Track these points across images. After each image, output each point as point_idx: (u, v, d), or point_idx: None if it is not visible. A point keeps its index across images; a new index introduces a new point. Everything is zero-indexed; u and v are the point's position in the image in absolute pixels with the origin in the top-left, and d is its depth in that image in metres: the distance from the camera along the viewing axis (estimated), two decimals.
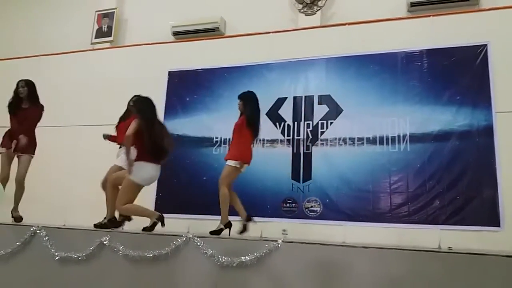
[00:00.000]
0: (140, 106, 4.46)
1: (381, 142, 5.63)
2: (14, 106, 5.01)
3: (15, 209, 4.98)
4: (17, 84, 5.06)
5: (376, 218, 5.42)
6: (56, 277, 3.69)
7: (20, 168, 4.93)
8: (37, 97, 5.11)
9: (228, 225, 4.43)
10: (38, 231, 3.86)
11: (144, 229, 4.11)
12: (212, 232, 4.17)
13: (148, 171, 4.29)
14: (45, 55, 7.83)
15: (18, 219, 4.89)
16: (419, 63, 5.71)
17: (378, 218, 5.41)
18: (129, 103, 5.01)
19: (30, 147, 4.98)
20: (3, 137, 5.04)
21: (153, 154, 4.27)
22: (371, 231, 5.33)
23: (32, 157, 5.04)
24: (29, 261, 3.83)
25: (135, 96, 4.88)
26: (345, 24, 6.16)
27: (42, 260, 3.74)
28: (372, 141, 5.67)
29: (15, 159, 5.01)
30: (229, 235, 4.40)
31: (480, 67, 5.40)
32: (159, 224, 4.16)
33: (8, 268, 3.86)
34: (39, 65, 7.79)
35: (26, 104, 5.04)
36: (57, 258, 3.67)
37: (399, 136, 5.58)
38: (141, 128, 4.18)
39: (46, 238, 3.80)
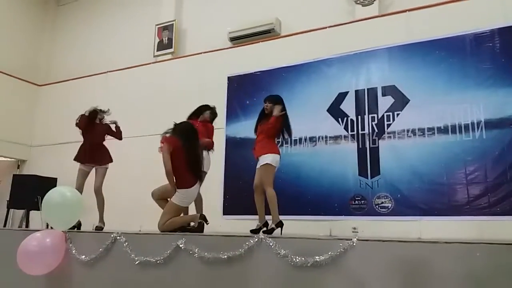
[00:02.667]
0: (182, 133, 4.54)
1: (454, 131, 5.33)
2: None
3: (99, 220, 5.29)
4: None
5: (453, 211, 5.13)
6: (137, 280, 3.84)
7: (95, 178, 5.28)
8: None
9: (280, 224, 4.38)
10: (118, 237, 4.04)
11: (193, 230, 4.32)
12: (265, 232, 4.14)
13: (193, 195, 4.52)
14: (112, 71, 8.31)
15: (98, 228, 5.19)
16: (491, 44, 5.34)
17: (456, 211, 5.12)
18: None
19: (106, 159, 5.34)
20: (81, 154, 5.38)
21: (195, 178, 4.50)
22: (449, 225, 5.06)
23: (107, 168, 5.37)
24: (112, 266, 4.02)
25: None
26: (405, 11, 5.92)
27: (124, 265, 3.91)
28: (443, 130, 5.38)
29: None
30: (281, 234, 4.36)
31: None
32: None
33: (94, 273, 4.09)
34: (108, 81, 8.29)
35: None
36: (137, 262, 3.82)
37: (472, 123, 5.26)
38: (185, 156, 4.40)
39: (126, 243, 3.96)
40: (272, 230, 4.29)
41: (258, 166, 4.49)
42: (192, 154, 4.48)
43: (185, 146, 4.45)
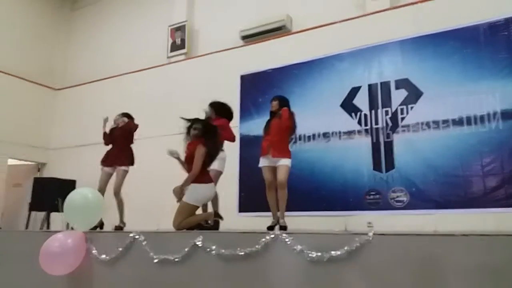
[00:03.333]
0: (206, 130, 4.53)
1: (469, 122, 5.27)
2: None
3: (120, 220, 5.36)
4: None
5: (469, 203, 5.09)
6: (157, 278, 3.89)
7: (115, 180, 5.35)
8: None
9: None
10: (137, 237, 4.10)
11: (209, 228, 4.39)
12: (282, 228, 4.20)
13: (203, 192, 4.45)
14: (127, 73, 8.43)
15: (117, 227, 5.28)
16: (506, 33, 5.27)
17: (472, 203, 5.07)
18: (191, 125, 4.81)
19: (124, 161, 5.38)
20: (104, 157, 5.47)
21: (207, 176, 4.46)
22: (465, 218, 5.02)
23: (127, 171, 5.40)
24: (132, 265, 4.08)
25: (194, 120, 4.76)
26: (416, 3, 5.87)
27: (143, 263, 3.97)
28: (458, 122, 5.33)
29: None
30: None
31: None
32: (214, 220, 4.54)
33: (114, 272, 4.16)
34: (123, 83, 8.40)
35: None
36: (156, 260, 3.88)
37: (488, 114, 5.19)
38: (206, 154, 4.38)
39: (145, 242, 4.02)
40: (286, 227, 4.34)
41: (269, 164, 4.56)
42: (211, 154, 4.48)
43: (208, 146, 4.45)
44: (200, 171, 4.39)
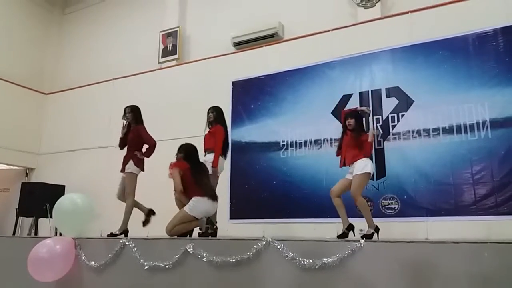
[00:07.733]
0: (187, 155, 4.78)
1: (459, 131, 5.32)
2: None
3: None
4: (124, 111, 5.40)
5: (460, 211, 5.12)
6: (147, 285, 3.87)
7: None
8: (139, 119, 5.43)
9: (377, 229, 4.33)
10: (127, 243, 4.08)
11: (201, 235, 4.47)
12: (365, 236, 4.08)
13: (206, 205, 4.55)
14: (118, 78, 8.38)
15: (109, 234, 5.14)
16: (494, 43, 5.34)
17: (462, 211, 5.10)
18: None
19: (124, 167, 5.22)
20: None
21: (210, 193, 4.61)
22: (456, 226, 5.05)
23: (133, 174, 5.22)
24: (122, 272, 4.05)
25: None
26: (407, 12, 5.93)
27: (133, 270, 3.94)
28: (448, 130, 5.38)
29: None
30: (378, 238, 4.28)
31: None
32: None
33: (104, 279, 4.13)
34: (114, 88, 8.35)
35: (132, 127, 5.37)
36: (146, 267, 3.85)
37: (478, 123, 5.24)
38: (190, 172, 4.61)
39: (135, 249, 4.00)
40: (372, 235, 4.24)
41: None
42: (198, 173, 4.65)
43: (191, 166, 4.65)
44: (196, 188, 4.55)
